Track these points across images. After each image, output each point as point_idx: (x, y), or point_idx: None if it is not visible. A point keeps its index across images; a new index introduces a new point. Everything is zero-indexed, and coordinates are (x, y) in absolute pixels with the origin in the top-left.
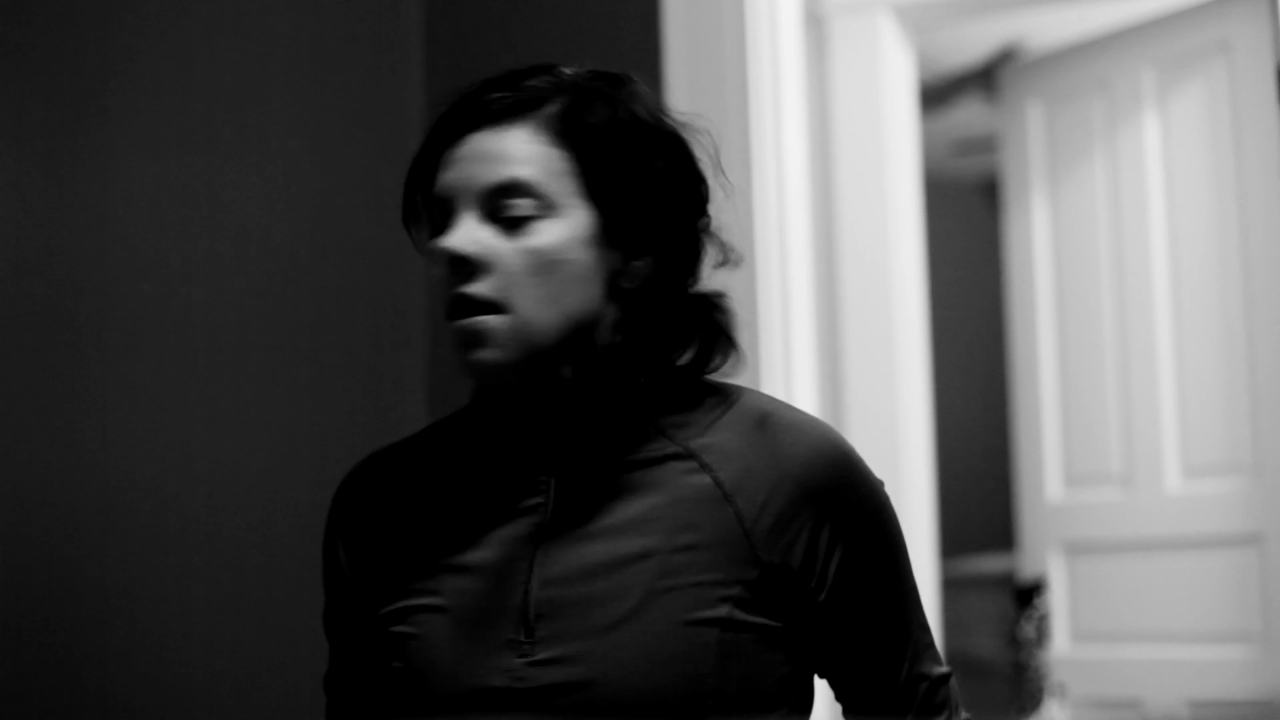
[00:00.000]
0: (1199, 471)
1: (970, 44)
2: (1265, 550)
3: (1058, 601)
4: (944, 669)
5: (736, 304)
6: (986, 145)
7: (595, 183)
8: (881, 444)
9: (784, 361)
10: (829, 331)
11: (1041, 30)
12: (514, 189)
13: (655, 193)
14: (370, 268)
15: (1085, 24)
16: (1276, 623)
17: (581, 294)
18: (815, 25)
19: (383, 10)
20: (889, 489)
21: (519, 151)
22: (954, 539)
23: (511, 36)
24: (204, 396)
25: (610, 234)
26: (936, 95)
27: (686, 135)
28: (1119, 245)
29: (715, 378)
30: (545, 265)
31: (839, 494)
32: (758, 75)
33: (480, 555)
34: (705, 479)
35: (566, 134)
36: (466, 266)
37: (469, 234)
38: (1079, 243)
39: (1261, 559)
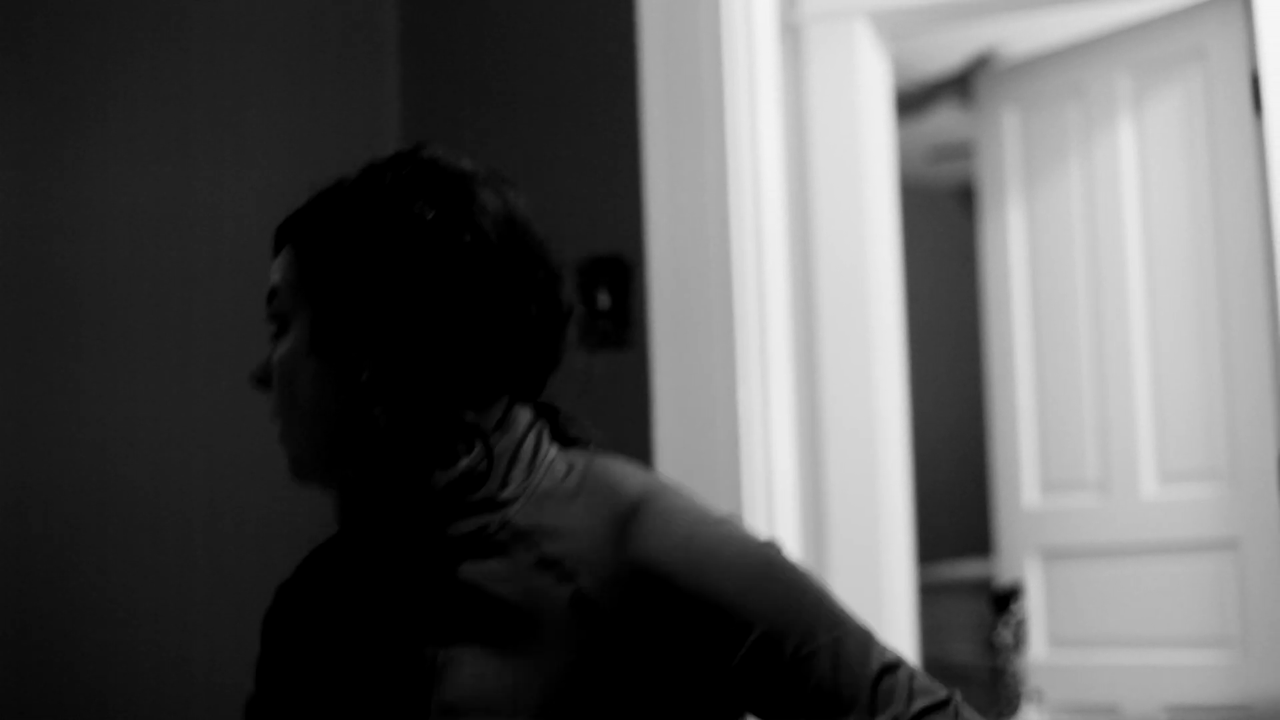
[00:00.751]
0: (1175, 477)
1: (946, 51)
2: (1242, 555)
3: (1034, 607)
4: (883, 662)
5: (712, 312)
6: (962, 151)
7: (310, 290)
8: (858, 450)
9: (760, 368)
10: (806, 338)
11: (1017, 37)
12: (270, 298)
13: (368, 300)
14: None
15: (1061, 31)
16: (1253, 628)
17: (311, 403)
18: (791, 34)
19: (360, 20)
20: (868, 496)
21: (279, 261)
22: (931, 545)
23: (487, 46)
24: (179, 394)
25: (319, 343)
26: (913, 102)
27: (498, 240)
28: (1095, 251)
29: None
30: (281, 375)
31: (709, 590)
32: (734, 84)
33: (370, 673)
34: (564, 588)
35: (295, 240)
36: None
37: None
38: (1055, 249)
39: (1238, 564)
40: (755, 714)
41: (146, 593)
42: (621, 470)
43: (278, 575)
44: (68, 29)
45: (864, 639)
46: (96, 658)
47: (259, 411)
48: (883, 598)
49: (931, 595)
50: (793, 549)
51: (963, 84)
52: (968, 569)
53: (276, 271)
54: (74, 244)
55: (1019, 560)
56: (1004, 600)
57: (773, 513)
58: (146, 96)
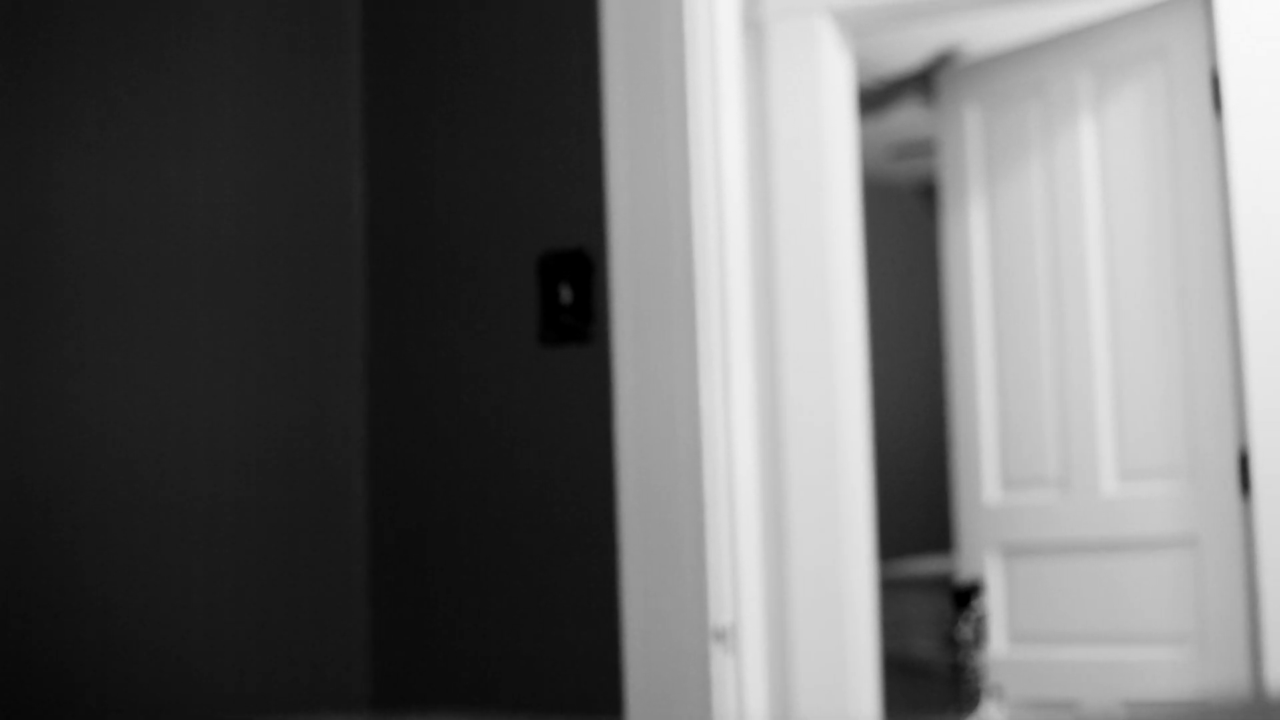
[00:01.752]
0: (1135, 474)
1: (909, 48)
2: (1200, 552)
3: (995, 603)
4: None
5: (674, 307)
6: (925, 149)
7: None
8: (820, 445)
9: (722, 364)
10: (767, 333)
11: (980, 34)
12: None
13: None
14: (312, 253)
15: (1023, 29)
16: (1211, 624)
17: None
18: (754, 30)
19: (323, 12)
20: (829, 492)
21: None
22: (892, 541)
23: (450, 40)
24: (150, 385)
25: None
26: (875, 99)
27: None
28: (1056, 249)
29: None
30: None
31: None
32: (696, 80)
33: None
34: None
35: None
36: None
37: None
38: (1016, 246)
39: (1196, 561)
40: None
41: (144, 584)
42: None
43: (275, 567)
44: (37, 24)
45: None
46: (94, 650)
47: (207, 388)
48: (844, 593)
49: (892, 591)
50: (754, 546)
51: (925, 81)
52: (928, 565)
53: None
54: (48, 235)
55: (980, 556)
56: (964, 596)
57: (734, 508)
58: (118, 88)
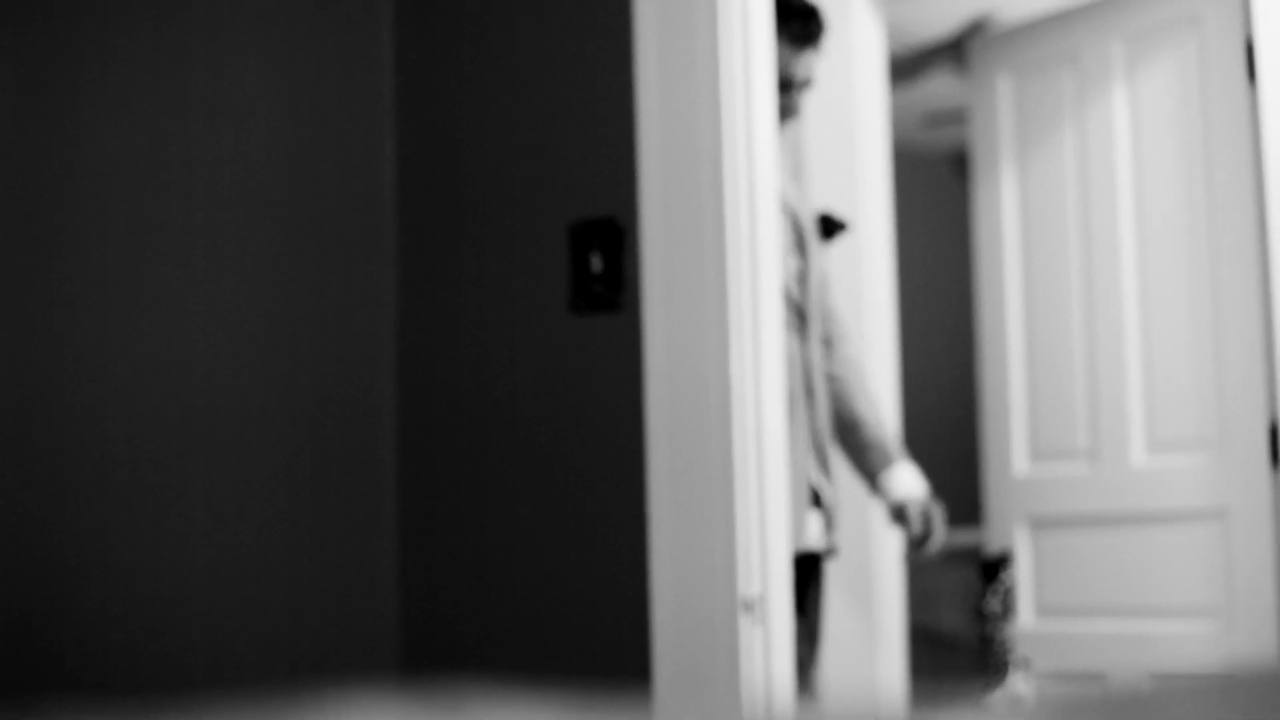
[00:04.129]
0: (1165, 447)
1: (941, 16)
2: (1229, 525)
3: (1023, 575)
4: None
5: (705, 275)
6: (957, 117)
7: None
8: None
9: (753, 335)
10: None
11: (1012, 3)
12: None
13: None
14: (343, 220)
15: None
16: (1240, 597)
17: None
18: None
19: None
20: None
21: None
22: None
23: (482, 7)
24: (177, 343)
25: None
26: (908, 68)
27: None
28: (1087, 219)
29: None
30: None
31: None
32: (728, 47)
33: None
34: None
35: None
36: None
37: None
38: (1047, 216)
39: (1225, 534)
40: None
41: (144, 558)
42: None
43: (307, 534)
44: None
45: None
46: (94, 636)
47: (259, 363)
48: (872, 564)
49: (920, 563)
50: (782, 516)
51: (957, 50)
52: (957, 537)
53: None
54: (77, 192)
55: (1008, 528)
56: (993, 568)
57: (763, 479)
58: (143, 50)
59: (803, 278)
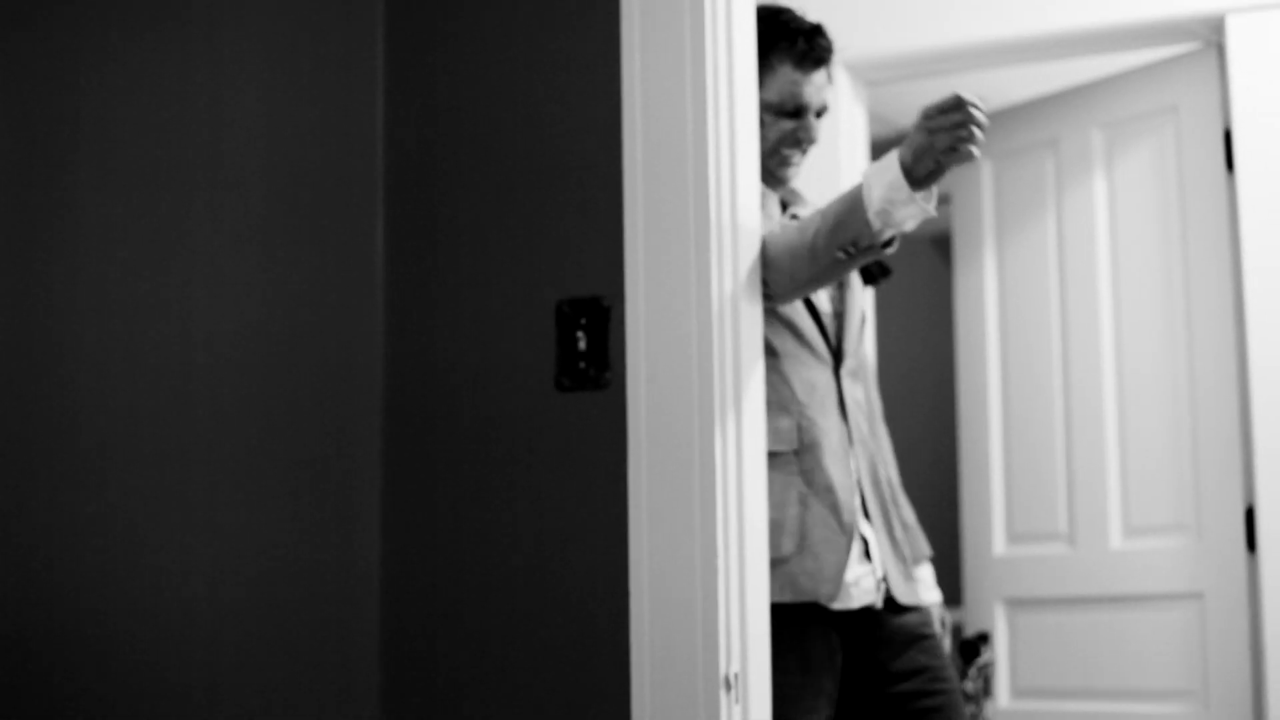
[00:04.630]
0: (1142, 530)
1: (926, 100)
2: (1206, 608)
3: (1000, 656)
4: None
5: (689, 354)
6: (940, 199)
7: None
8: None
9: (734, 409)
10: None
11: (995, 89)
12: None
13: None
14: (327, 327)
15: (1035, 85)
16: (1216, 680)
17: None
18: None
19: (340, 53)
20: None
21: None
22: None
23: (470, 88)
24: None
25: None
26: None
27: None
28: (1066, 303)
29: None
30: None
31: None
32: (715, 127)
33: None
34: None
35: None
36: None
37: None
38: (1027, 300)
39: (1202, 617)
40: None
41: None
42: None
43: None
44: None
45: None
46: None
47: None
48: None
49: None
50: (761, 594)
51: None
52: None
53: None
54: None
55: (987, 609)
56: (971, 648)
57: (744, 558)
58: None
59: (839, 314)
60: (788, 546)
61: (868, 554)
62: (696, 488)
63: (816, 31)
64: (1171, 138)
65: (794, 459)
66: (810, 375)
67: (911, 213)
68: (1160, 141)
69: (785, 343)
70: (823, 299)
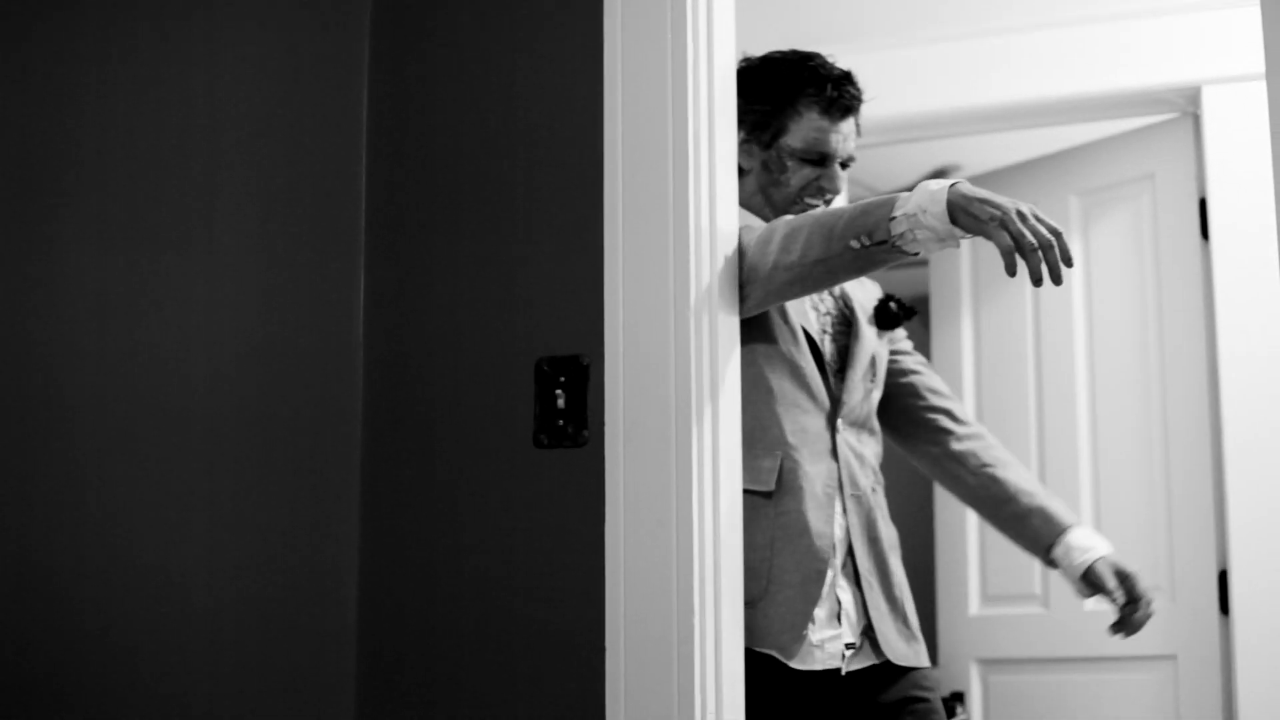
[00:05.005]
0: None
1: (904, 167)
2: (1179, 670)
3: (975, 716)
4: None
5: (667, 413)
6: (917, 261)
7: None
8: None
9: (712, 470)
10: None
11: (975, 156)
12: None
13: None
14: (312, 375)
15: (1014, 151)
16: None
17: None
18: None
19: (323, 112)
20: None
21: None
22: None
23: (451, 151)
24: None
25: None
26: None
27: None
28: (1041, 368)
29: None
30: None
31: None
32: (697, 185)
33: None
34: None
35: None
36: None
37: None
38: (1003, 363)
39: (1175, 678)
40: None
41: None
42: None
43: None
44: None
45: None
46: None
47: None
48: None
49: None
50: (737, 651)
51: None
52: None
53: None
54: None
55: (962, 669)
56: (946, 709)
57: (719, 617)
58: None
59: (843, 362)
60: (754, 590)
61: (839, 616)
62: (674, 548)
63: (846, 79)
64: (1148, 205)
65: (771, 501)
66: (804, 420)
67: (936, 232)
68: (1136, 209)
69: (784, 383)
70: (828, 346)
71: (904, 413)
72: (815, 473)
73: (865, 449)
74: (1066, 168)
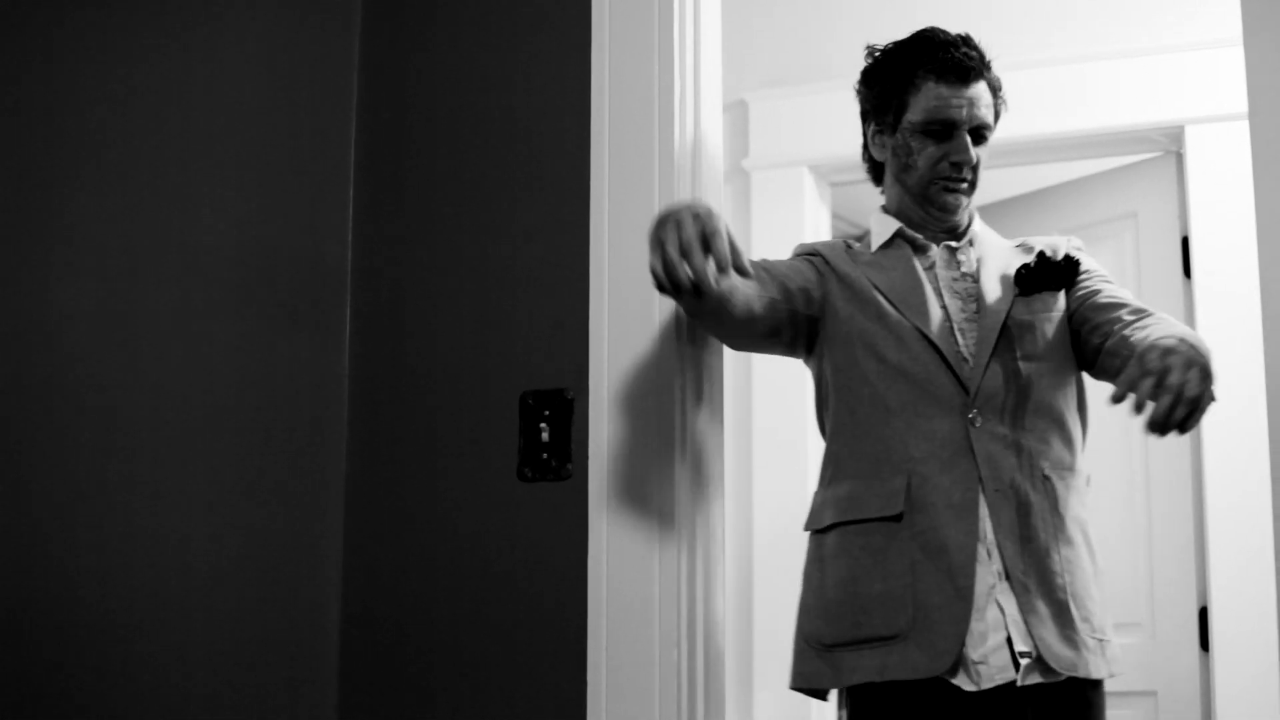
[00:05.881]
0: None
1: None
2: (1159, 707)
3: None
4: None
5: (651, 446)
6: None
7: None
8: (786, 593)
9: (696, 502)
10: (744, 475)
11: None
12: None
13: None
14: (298, 413)
15: (999, 188)
16: None
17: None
18: (741, 176)
19: (308, 138)
20: (789, 641)
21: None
22: None
23: (439, 188)
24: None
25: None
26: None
27: None
28: None
29: None
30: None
31: None
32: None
33: None
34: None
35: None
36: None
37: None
38: None
39: (1155, 715)
40: None
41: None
42: None
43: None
44: None
45: None
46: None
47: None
48: None
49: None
50: (720, 689)
51: None
52: None
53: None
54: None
55: None
56: None
57: (707, 656)
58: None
59: (975, 350)
60: (902, 621)
61: (1005, 625)
62: (656, 581)
63: (960, 41)
64: (1131, 243)
65: (904, 523)
66: (930, 426)
67: None
68: (1120, 246)
69: (901, 395)
70: (967, 336)
71: (1094, 356)
72: (950, 481)
73: (1026, 435)
74: (1050, 205)
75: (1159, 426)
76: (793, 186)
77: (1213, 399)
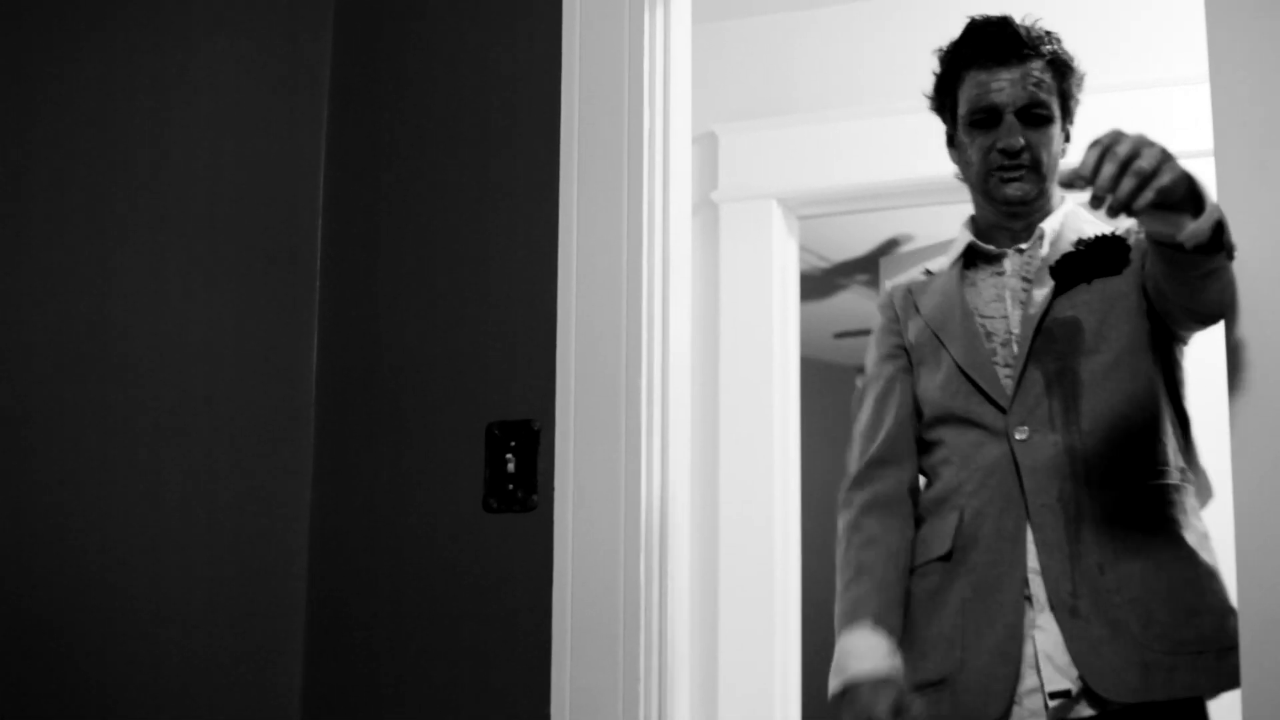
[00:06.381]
0: None
1: (861, 236)
2: None
3: None
4: None
5: (616, 478)
6: (864, 330)
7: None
8: (755, 620)
9: (661, 536)
10: (709, 505)
11: (928, 225)
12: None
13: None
14: (268, 410)
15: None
16: None
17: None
18: (710, 208)
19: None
20: (761, 665)
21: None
22: (824, 707)
23: (407, 218)
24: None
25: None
26: (821, 283)
27: None
28: None
29: None
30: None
31: None
32: (651, 255)
33: None
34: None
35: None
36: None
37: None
38: None
39: None
40: None
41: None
42: None
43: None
44: None
45: None
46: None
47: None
48: None
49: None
50: (683, 711)
51: (870, 266)
52: None
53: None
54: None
55: None
56: None
57: (665, 680)
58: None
59: (1022, 360)
60: (948, 664)
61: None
62: (620, 614)
63: (1000, 22)
64: None
65: (955, 560)
66: (980, 455)
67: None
68: None
69: (949, 432)
70: (982, 358)
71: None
72: (999, 510)
73: (1083, 439)
74: None
75: (1102, 201)
76: (761, 219)
77: (1178, 188)
